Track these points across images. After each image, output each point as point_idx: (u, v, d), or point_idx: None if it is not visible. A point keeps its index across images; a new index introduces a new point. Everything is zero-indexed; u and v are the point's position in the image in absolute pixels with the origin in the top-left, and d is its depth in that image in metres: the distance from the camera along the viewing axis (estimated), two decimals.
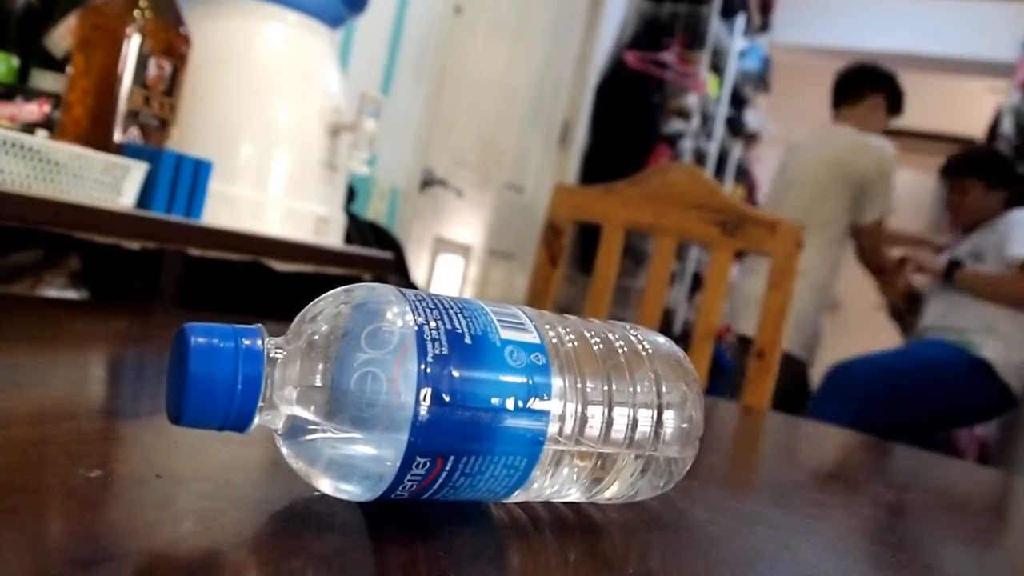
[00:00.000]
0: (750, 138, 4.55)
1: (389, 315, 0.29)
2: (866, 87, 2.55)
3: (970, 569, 0.45)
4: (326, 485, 0.29)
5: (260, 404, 0.28)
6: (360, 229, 1.46)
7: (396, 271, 1.47)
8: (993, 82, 4.29)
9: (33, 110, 0.88)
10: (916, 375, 2.32)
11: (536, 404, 0.30)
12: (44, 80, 0.96)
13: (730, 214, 1.19)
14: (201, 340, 0.28)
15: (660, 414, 0.34)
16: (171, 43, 0.89)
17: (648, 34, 3.52)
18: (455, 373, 0.29)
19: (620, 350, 0.34)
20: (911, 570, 0.40)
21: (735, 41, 3.85)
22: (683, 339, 2.74)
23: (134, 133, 0.88)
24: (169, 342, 0.29)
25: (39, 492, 0.27)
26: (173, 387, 0.28)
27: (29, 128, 0.85)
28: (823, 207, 2.44)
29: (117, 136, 0.86)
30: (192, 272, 1.11)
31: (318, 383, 0.28)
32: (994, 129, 3.38)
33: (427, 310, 0.30)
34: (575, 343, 0.33)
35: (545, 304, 1.25)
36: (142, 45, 0.86)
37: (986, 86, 4.48)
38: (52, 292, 1.02)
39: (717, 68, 3.79)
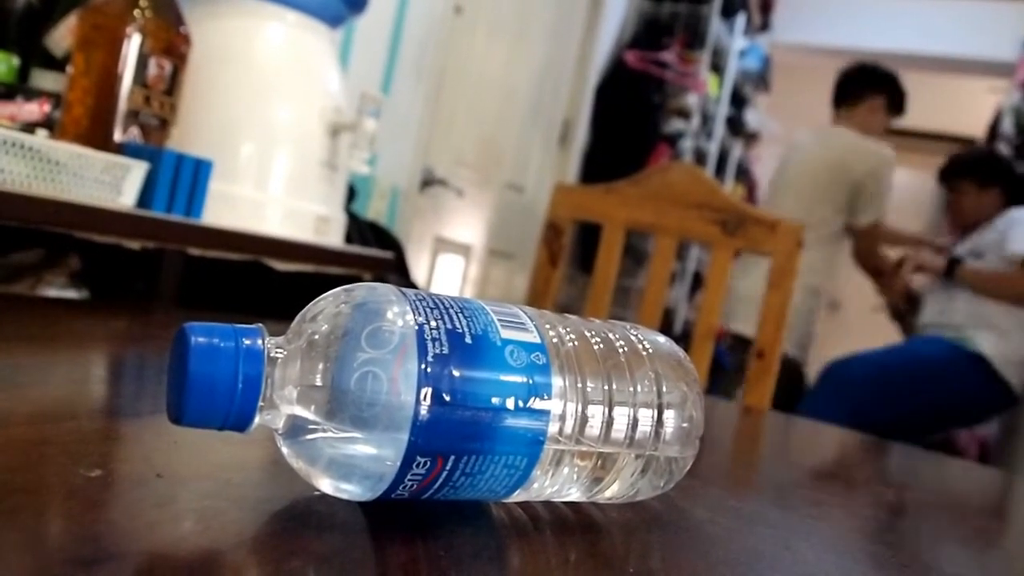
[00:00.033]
0: (750, 138, 4.54)
1: (389, 315, 0.29)
2: (866, 88, 2.56)
3: (970, 569, 0.45)
4: (326, 485, 0.29)
5: (260, 404, 0.28)
6: (360, 229, 1.46)
7: (396, 271, 1.47)
8: (993, 82, 4.29)
9: (33, 110, 0.88)
10: (911, 372, 2.32)
11: (536, 404, 0.30)
12: (44, 80, 0.96)
13: (730, 214, 1.19)
14: (201, 340, 0.28)
15: (660, 414, 0.34)
16: (171, 43, 0.89)
17: (648, 34, 3.51)
18: (455, 373, 0.29)
19: (620, 350, 0.34)
20: (911, 570, 0.40)
21: (735, 40, 3.85)
22: (683, 339, 2.73)
23: (134, 133, 0.88)
24: (169, 342, 0.29)
25: (39, 492, 0.27)
26: (173, 387, 0.28)
27: (29, 128, 0.85)
28: (819, 207, 2.44)
29: (117, 136, 0.86)
30: (192, 272, 1.11)
31: (318, 383, 0.28)
32: (994, 129, 3.38)
33: (427, 310, 0.30)
34: (575, 343, 0.33)
35: (545, 304, 1.25)
36: (142, 45, 0.86)
37: (986, 86, 4.47)
38: (52, 292, 1.02)
39: (717, 68, 3.79)
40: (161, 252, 1.09)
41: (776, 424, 0.97)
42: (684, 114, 3.50)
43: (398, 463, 0.28)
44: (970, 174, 2.52)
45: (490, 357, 0.30)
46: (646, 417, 0.33)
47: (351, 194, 1.45)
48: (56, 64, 0.97)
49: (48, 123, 0.88)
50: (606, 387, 0.32)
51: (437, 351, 0.28)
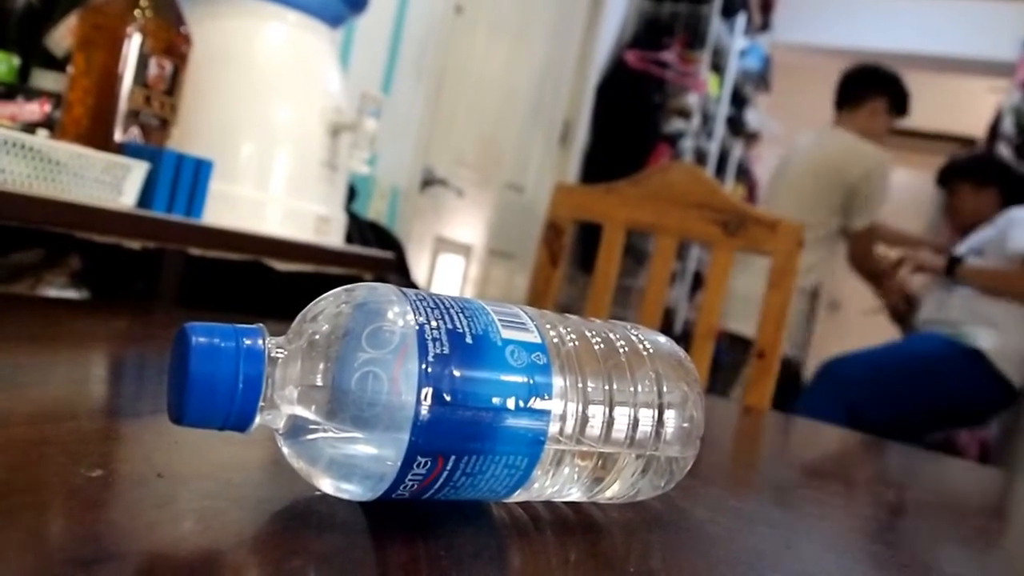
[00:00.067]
0: (751, 137, 4.54)
1: (390, 315, 0.29)
2: (868, 90, 2.55)
3: (970, 569, 0.45)
4: (327, 485, 0.29)
5: (261, 404, 0.28)
6: (361, 229, 1.46)
7: (397, 271, 1.47)
8: (994, 81, 4.29)
9: (34, 110, 0.88)
10: (906, 369, 2.31)
11: (537, 404, 0.30)
12: (45, 80, 0.96)
13: (731, 213, 1.19)
14: (202, 340, 0.28)
15: (661, 414, 0.34)
16: (172, 42, 0.89)
17: (648, 33, 3.51)
18: (456, 373, 0.29)
19: (621, 350, 0.34)
20: (912, 570, 0.40)
21: (736, 40, 3.85)
22: (684, 339, 2.73)
23: (135, 132, 0.88)
24: (170, 342, 0.29)
25: (40, 492, 0.27)
26: (174, 387, 0.28)
27: (30, 128, 0.85)
28: (815, 208, 2.44)
29: (118, 136, 0.86)
30: (193, 272, 1.11)
31: (319, 383, 0.28)
32: (995, 128, 3.38)
33: (428, 310, 0.30)
34: (576, 343, 0.33)
35: (546, 304, 1.25)
36: (143, 44, 0.86)
37: (987, 85, 4.47)
38: (53, 292, 1.02)
39: (718, 67, 3.78)
40: (161, 252, 1.09)
41: (776, 424, 0.97)
42: (684, 114, 3.50)
43: (399, 463, 0.28)
44: (966, 176, 2.58)
45: (491, 357, 0.30)
46: (647, 417, 0.33)
47: (351, 194, 1.45)
48: (57, 64, 0.97)
49: (49, 123, 0.88)
50: (607, 387, 0.32)
51: (438, 351, 0.28)
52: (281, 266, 1.02)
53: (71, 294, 1.04)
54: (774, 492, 0.53)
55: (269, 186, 1.04)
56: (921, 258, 2.51)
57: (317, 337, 0.29)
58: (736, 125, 4.23)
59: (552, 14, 3.05)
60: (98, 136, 0.85)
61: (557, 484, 0.33)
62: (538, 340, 0.31)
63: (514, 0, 2.79)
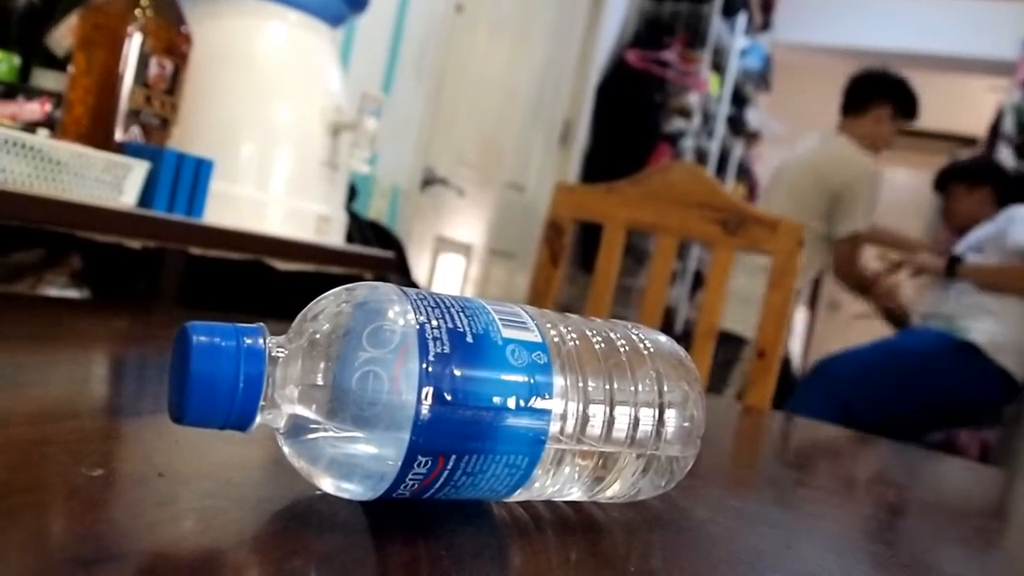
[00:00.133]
0: (751, 137, 4.54)
1: (391, 314, 0.29)
2: (872, 96, 2.54)
3: (971, 569, 0.45)
4: (328, 484, 0.29)
5: (262, 403, 0.28)
6: (361, 228, 1.46)
7: (397, 270, 1.47)
8: (994, 80, 4.29)
9: (34, 109, 0.88)
10: (899, 367, 2.30)
11: (538, 403, 0.30)
12: (45, 79, 0.96)
13: (731, 213, 1.19)
14: (203, 339, 0.28)
15: (662, 413, 0.34)
16: (172, 42, 0.89)
17: (649, 33, 3.51)
18: (457, 372, 0.29)
19: (622, 349, 0.34)
20: (912, 570, 0.40)
21: (736, 40, 3.85)
22: (684, 338, 2.73)
23: (135, 132, 0.88)
24: (170, 341, 0.29)
25: (41, 491, 0.27)
26: (175, 386, 0.28)
27: (30, 127, 0.85)
28: (799, 211, 2.43)
29: (118, 135, 0.86)
30: (193, 271, 1.11)
31: (320, 382, 0.28)
32: (995, 128, 3.38)
33: (429, 309, 0.30)
34: (577, 342, 0.33)
35: (546, 303, 1.25)
36: (143, 44, 0.86)
37: (987, 84, 4.47)
38: (54, 291, 1.02)
39: (718, 67, 3.78)
40: (162, 252, 1.09)
41: (777, 424, 0.97)
42: (685, 113, 3.50)
43: (399, 462, 0.28)
44: (960, 178, 2.65)
45: (491, 356, 0.30)
46: (647, 416, 0.33)
47: (352, 193, 1.45)
48: (57, 63, 0.97)
49: (49, 122, 0.88)
50: (607, 386, 0.32)
51: (438, 350, 0.28)
52: (282, 265, 1.02)
53: (72, 294, 1.04)
54: (774, 492, 0.53)
55: (270, 186, 1.04)
56: (921, 260, 2.51)
57: (318, 336, 0.29)
58: (737, 124, 4.23)
59: (553, 13, 3.05)
60: (99, 136, 0.85)
61: (558, 483, 0.33)
62: (539, 339, 0.31)
63: (515, 0, 2.79)
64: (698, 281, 3.82)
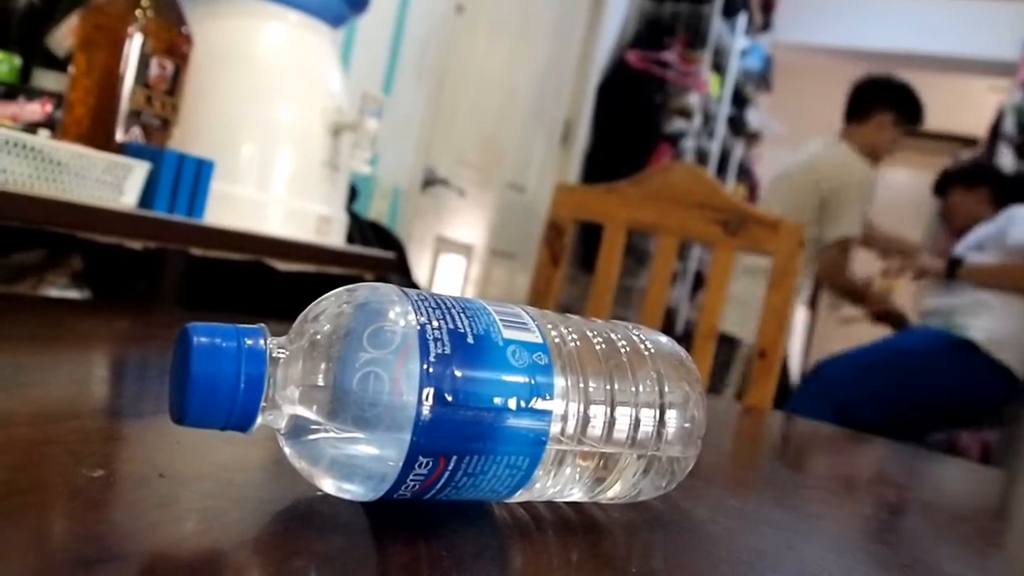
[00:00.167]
0: (752, 137, 4.54)
1: (391, 315, 0.29)
2: (875, 103, 2.53)
3: (971, 570, 0.45)
4: (329, 485, 0.29)
5: (263, 404, 0.28)
6: (362, 229, 1.46)
7: (398, 271, 1.47)
8: (995, 81, 4.29)
9: (35, 110, 0.88)
10: (896, 367, 2.29)
11: (538, 404, 0.30)
12: (46, 80, 0.97)
13: (732, 213, 1.19)
14: (204, 340, 0.28)
15: (663, 414, 0.34)
16: (173, 42, 0.89)
17: (650, 33, 3.52)
18: (457, 373, 0.29)
19: (622, 350, 0.34)
20: (913, 570, 0.40)
21: (737, 40, 3.85)
22: (685, 339, 2.72)
23: (136, 133, 0.88)
24: (171, 342, 0.29)
25: (42, 492, 0.27)
26: (176, 387, 0.28)
27: (31, 128, 0.85)
28: (795, 213, 2.43)
29: (119, 136, 0.86)
30: (194, 272, 1.11)
31: (320, 383, 0.28)
32: (996, 128, 3.38)
33: (429, 310, 0.30)
34: (577, 343, 0.33)
35: (547, 304, 1.25)
36: (144, 45, 0.86)
37: (988, 85, 4.47)
38: (54, 292, 1.02)
39: (719, 67, 3.78)
40: (163, 252, 1.09)
41: (778, 424, 0.97)
42: (686, 114, 3.50)
43: (400, 463, 0.28)
44: (958, 181, 2.70)
45: (492, 357, 0.30)
46: (648, 417, 0.33)
47: (352, 194, 1.45)
48: (58, 64, 0.97)
49: (50, 123, 0.88)
50: (608, 387, 0.32)
51: (439, 351, 0.28)
52: (282, 266, 1.02)
53: (73, 294, 1.04)
54: (775, 492, 0.53)
55: (270, 186, 1.04)
56: (921, 264, 2.51)
57: (319, 337, 0.29)
58: (737, 125, 4.23)
59: (553, 14, 3.05)
60: (99, 136, 0.85)
61: (559, 484, 0.33)
62: (539, 340, 0.31)
63: (515, 0, 2.79)
64: (699, 282, 3.83)
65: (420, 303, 0.30)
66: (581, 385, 0.31)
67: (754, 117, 4.43)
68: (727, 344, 2.40)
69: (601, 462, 0.33)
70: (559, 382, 0.31)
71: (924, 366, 2.27)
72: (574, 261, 3.00)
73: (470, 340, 0.29)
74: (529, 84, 3.00)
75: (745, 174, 4.45)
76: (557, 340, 0.32)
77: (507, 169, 2.99)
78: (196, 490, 0.30)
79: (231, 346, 0.28)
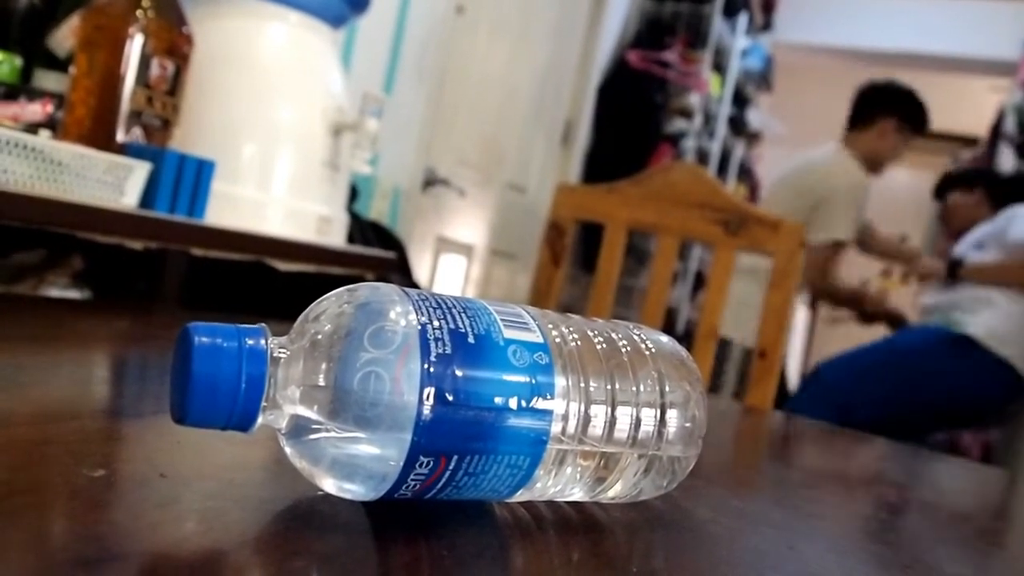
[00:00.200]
0: (752, 137, 4.54)
1: (392, 314, 0.29)
2: (877, 110, 2.52)
3: (972, 570, 0.45)
4: (329, 484, 0.29)
5: (263, 404, 0.28)
6: (362, 229, 1.46)
7: (399, 271, 1.47)
8: (995, 81, 4.29)
9: (36, 110, 0.88)
10: (894, 366, 2.28)
11: (539, 403, 0.30)
12: (47, 80, 0.97)
13: (732, 213, 1.19)
14: (204, 340, 0.28)
15: (663, 413, 0.34)
16: (174, 43, 0.89)
17: (650, 33, 3.52)
18: (458, 372, 0.29)
19: (623, 349, 0.34)
20: (913, 570, 0.40)
21: (737, 40, 3.85)
22: (686, 338, 2.73)
23: (137, 133, 0.88)
24: (172, 342, 0.29)
25: (42, 492, 0.27)
26: (177, 387, 0.28)
27: (32, 128, 0.85)
28: (790, 215, 2.43)
29: (120, 136, 0.86)
30: (195, 272, 1.11)
31: (321, 382, 0.28)
32: (996, 128, 3.39)
33: (430, 309, 0.30)
34: (578, 342, 0.33)
35: (548, 303, 1.25)
36: (145, 45, 0.86)
37: (988, 85, 4.47)
38: (55, 292, 1.02)
39: (719, 67, 3.78)
40: (164, 252, 1.09)
41: (778, 424, 0.97)
42: (686, 114, 3.50)
43: (401, 463, 0.28)
44: (956, 184, 2.76)
45: (493, 357, 0.30)
46: (649, 417, 0.33)
47: (353, 194, 1.45)
48: (59, 64, 0.97)
49: (51, 123, 0.88)
50: (609, 387, 0.32)
51: (440, 351, 0.28)
52: (283, 266, 1.02)
53: (73, 294, 1.04)
54: (776, 492, 0.53)
55: (271, 186, 1.04)
56: (923, 267, 2.52)
57: (319, 337, 0.29)
58: (738, 125, 4.23)
59: (554, 14, 3.05)
60: (100, 136, 0.85)
61: (559, 484, 0.33)
62: (540, 340, 0.31)
63: (516, 0, 2.79)
64: (699, 282, 3.82)
65: (421, 303, 0.30)
66: (582, 385, 0.31)
67: (755, 117, 4.43)
68: (721, 346, 2.40)
69: (602, 462, 0.33)
70: (560, 382, 0.31)
71: (924, 364, 2.26)
72: (575, 261, 3.00)
73: (471, 340, 0.29)
74: (529, 84, 3.00)
75: (746, 174, 4.45)
76: (558, 340, 0.32)
77: (508, 169, 2.99)
78: (197, 490, 0.30)
79: (232, 346, 0.28)
